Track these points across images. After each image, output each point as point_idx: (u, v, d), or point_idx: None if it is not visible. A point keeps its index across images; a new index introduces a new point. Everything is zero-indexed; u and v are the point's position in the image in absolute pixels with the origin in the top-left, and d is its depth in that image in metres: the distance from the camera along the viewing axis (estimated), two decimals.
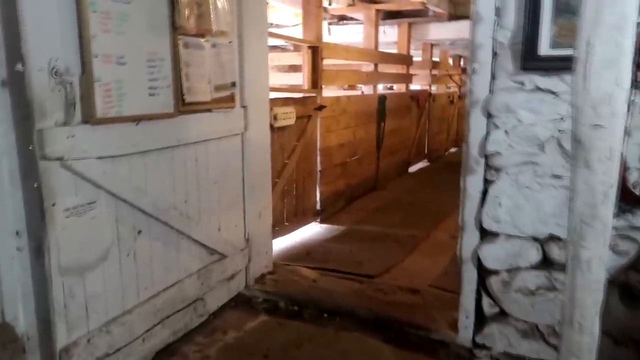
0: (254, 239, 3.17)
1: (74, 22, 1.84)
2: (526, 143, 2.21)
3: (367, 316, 2.86)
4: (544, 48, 2.09)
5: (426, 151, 8.54)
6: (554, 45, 2.08)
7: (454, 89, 10.17)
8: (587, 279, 1.30)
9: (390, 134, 6.59)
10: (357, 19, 7.19)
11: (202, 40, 2.46)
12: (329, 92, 6.13)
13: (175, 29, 2.27)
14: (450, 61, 10.52)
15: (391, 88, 9.12)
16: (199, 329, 2.73)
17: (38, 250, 1.90)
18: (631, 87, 1.19)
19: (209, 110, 2.59)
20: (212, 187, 2.70)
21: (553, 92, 2.12)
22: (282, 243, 4.27)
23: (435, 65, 8.82)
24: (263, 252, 3.32)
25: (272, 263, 3.54)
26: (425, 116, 8.16)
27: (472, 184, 2.38)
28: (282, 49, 7.21)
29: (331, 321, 2.89)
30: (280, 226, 4.37)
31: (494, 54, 2.24)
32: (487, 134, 2.30)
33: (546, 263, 2.27)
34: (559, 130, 2.14)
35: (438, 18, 7.21)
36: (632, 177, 1.90)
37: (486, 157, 2.32)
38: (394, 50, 7.59)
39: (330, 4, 5.11)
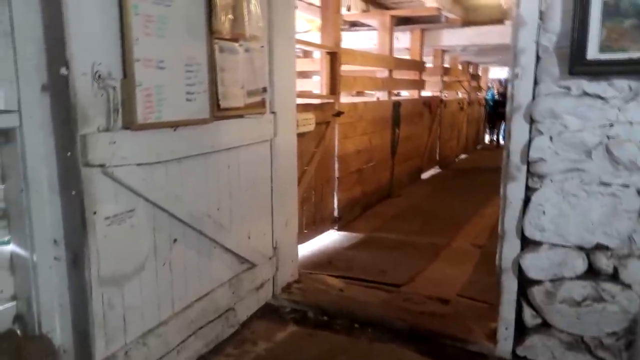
0: (281, 247, 3.11)
1: (116, 25, 1.79)
2: (572, 149, 2.15)
3: (400, 327, 2.79)
4: (592, 52, 2.04)
5: (438, 158, 8.49)
6: (603, 49, 2.03)
7: (463, 95, 10.14)
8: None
9: (404, 141, 6.55)
10: (368, 25, 7.17)
11: (236, 44, 2.41)
12: (343, 98, 6.08)
13: (212, 32, 2.22)
14: (460, 67, 10.49)
15: (398, 94, 9.09)
16: (230, 339, 2.66)
17: (75, 259, 1.83)
18: None
19: (241, 116, 2.54)
20: (243, 195, 2.64)
21: (602, 98, 2.07)
22: (302, 251, 4.20)
23: (446, 71, 8.79)
24: (289, 261, 3.26)
25: (298, 272, 3.48)
26: (437, 123, 8.12)
27: (513, 191, 2.32)
28: None
29: (363, 332, 2.82)
30: (299, 234, 4.31)
31: (538, 59, 2.19)
32: (530, 140, 2.24)
33: (592, 273, 2.20)
34: (608, 137, 2.08)
35: (451, 24, 7.19)
36: None
37: (528, 164, 2.27)
38: (406, 56, 7.56)
39: (349, 10, 5.08)
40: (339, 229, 5.02)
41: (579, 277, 2.21)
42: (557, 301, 2.24)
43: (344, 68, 5.46)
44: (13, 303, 1.82)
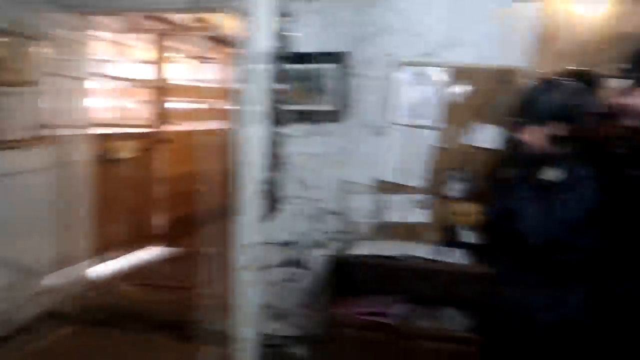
0: (68, 260, 3.57)
1: None
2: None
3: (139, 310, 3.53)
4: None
5: None
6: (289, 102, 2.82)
7: None
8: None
9: None
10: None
11: (8, 89, 2.90)
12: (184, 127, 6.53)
13: None
14: None
15: None
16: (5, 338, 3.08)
17: None
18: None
19: (12, 148, 3.03)
20: (18, 214, 3.10)
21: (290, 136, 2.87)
22: (118, 263, 4.62)
23: None
24: (77, 273, 3.71)
25: (91, 281, 3.96)
26: None
27: None
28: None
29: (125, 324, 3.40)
30: (114, 249, 4.74)
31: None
32: None
33: (290, 262, 2.95)
34: (295, 164, 2.88)
35: None
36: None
37: None
38: None
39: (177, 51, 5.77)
40: (161, 245, 5.46)
41: (279, 265, 2.96)
42: (266, 283, 2.96)
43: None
44: None
